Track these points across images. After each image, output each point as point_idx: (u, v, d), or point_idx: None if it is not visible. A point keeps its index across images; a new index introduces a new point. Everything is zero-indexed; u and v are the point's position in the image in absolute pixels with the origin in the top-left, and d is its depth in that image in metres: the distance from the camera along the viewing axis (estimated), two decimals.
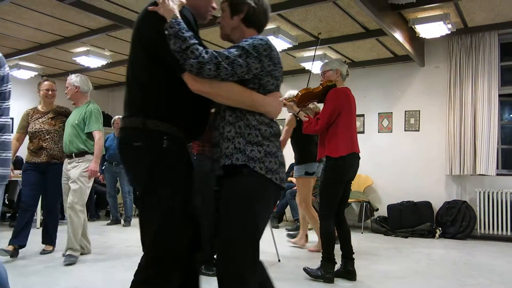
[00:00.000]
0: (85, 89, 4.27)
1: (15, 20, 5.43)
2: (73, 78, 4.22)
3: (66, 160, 4.14)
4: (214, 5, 1.89)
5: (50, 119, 4.31)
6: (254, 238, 1.66)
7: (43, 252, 4.27)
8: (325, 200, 3.48)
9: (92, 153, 4.11)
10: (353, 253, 3.52)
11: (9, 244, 3.98)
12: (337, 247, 3.49)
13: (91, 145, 4.13)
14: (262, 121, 1.70)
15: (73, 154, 4.07)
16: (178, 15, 1.61)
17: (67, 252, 3.96)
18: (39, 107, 4.40)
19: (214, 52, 1.58)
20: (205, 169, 3.59)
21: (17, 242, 4.00)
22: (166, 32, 1.57)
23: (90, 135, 4.12)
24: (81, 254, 4.17)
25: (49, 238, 4.34)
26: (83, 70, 7.31)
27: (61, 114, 4.40)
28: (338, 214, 3.51)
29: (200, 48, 1.56)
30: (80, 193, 4.02)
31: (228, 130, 1.68)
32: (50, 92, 4.35)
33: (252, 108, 1.68)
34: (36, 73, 7.56)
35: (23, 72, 7.36)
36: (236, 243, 1.63)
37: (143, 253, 1.69)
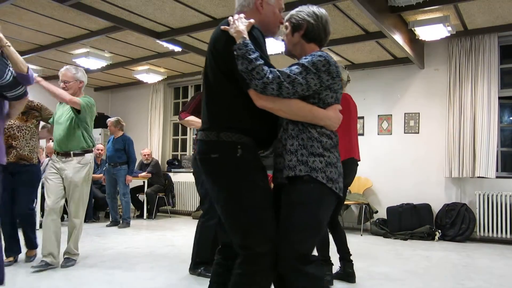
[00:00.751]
0: (85, 83, 4.06)
1: (15, 22, 5.44)
2: (74, 72, 3.95)
3: (58, 158, 3.81)
4: (282, 20, 2.01)
5: (21, 114, 3.89)
6: (317, 237, 1.87)
7: (28, 259, 3.98)
8: None
9: (91, 150, 3.90)
10: (351, 254, 3.52)
11: (6, 257, 3.79)
12: (334, 251, 3.49)
13: (91, 141, 3.92)
14: (323, 133, 1.83)
15: (71, 153, 3.79)
16: (246, 36, 1.75)
17: (66, 256, 3.85)
18: None
19: (277, 72, 1.71)
20: None
21: (12, 254, 3.89)
22: (235, 53, 1.72)
23: (89, 130, 3.91)
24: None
25: (30, 243, 4.04)
26: None
27: (33, 109, 4.02)
28: (333, 218, 3.51)
29: (266, 68, 1.70)
30: (85, 200, 3.89)
31: (290, 144, 1.82)
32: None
33: (312, 121, 1.81)
34: (36, 74, 7.47)
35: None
36: (304, 243, 1.79)
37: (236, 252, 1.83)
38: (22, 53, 6.66)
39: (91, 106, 3.91)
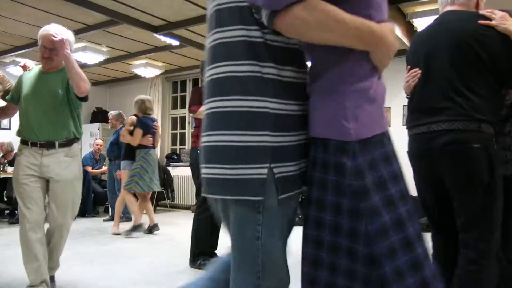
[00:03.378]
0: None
1: (11, 16, 5.41)
2: (62, 30, 2.78)
3: (36, 150, 2.75)
4: None
5: None
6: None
7: None
8: None
9: (79, 138, 2.90)
10: None
11: None
12: None
13: (80, 128, 2.93)
14: None
15: (56, 143, 2.77)
16: None
17: (50, 274, 2.93)
18: None
19: None
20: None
21: None
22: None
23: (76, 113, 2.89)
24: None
25: None
26: (80, 66, 7.27)
27: None
28: None
29: None
30: (78, 202, 2.98)
31: None
32: None
33: None
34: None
35: (20, 69, 7.32)
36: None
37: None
38: (18, 48, 6.64)
39: None
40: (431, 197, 2.04)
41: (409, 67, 2.07)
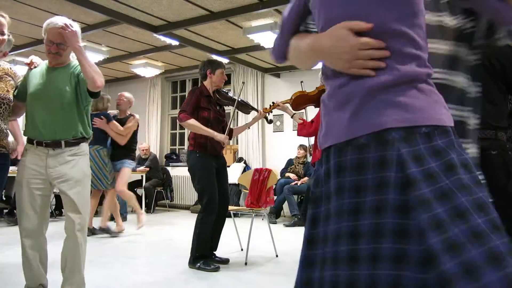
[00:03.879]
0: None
1: (11, 15, 5.34)
2: (69, 21, 2.60)
3: (41, 150, 2.56)
4: None
5: None
6: None
7: None
8: None
9: (87, 138, 2.71)
10: None
11: None
12: None
13: (89, 128, 2.73)
14: None
15: (62, 142, 2.58)
16: None
17: None
18: None
19: None
20: (210, 164, 3.66)
21: None
22: None
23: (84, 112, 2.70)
24: None
25: None
26: None
27: (8, 75, 2.75)
28: None
29: None
30: (88, 201, 2.75)
31: None
32: None
33: None
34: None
35: (19, 68, 7.28)
36: None
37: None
38: (18, 47, 6.63)
39: None
40: None
41: None
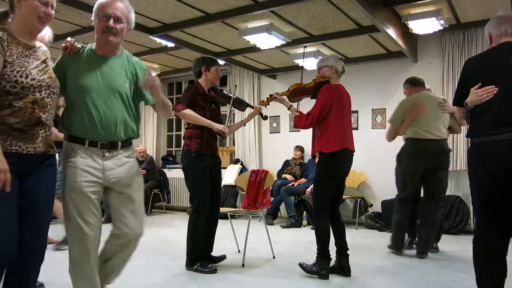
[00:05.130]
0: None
1: None
2: (130, 8, 2.55)
3: (95, 151, 2.25)
4: None
5: (44, 64, 2.15)
6: None
7: None
8: (318, 195, 3.50)
9: (135, 138, 2.47)
10: (348, 249, 3.53)
11: None
12: (332, 245, 3.50)
13: (139, 125, 2.49)
14: None
15: (119, 143, 2.32)
16: None
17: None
18: (16, 34, 2.15)
19: None
20: (205, 164, 3.66)
21: None
22: None
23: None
24: None
25: None
26: None
27: (49, 60, 2.27)
28: (332, 210, 3.52)
29: None
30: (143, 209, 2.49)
31: None
32: (45, 10, 2.19)
33: None
34: None
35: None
36: None
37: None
38: None
39: None
40: (502, 196, 2.26)
41: (480, 84, 2.31)
